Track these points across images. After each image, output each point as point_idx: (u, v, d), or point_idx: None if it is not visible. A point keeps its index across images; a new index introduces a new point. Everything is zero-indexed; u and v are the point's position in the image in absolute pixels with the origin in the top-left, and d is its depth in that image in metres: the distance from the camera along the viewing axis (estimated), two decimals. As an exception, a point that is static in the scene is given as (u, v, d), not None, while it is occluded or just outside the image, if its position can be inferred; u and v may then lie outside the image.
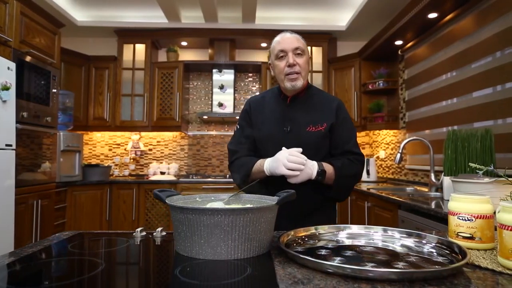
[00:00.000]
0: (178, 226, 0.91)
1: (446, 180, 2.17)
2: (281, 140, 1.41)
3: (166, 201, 0.97)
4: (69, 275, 0.81)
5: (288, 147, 1.38)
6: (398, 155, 2.82)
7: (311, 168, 1.29)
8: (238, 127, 1.55)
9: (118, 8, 4.17)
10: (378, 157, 4.46)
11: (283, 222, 1.29)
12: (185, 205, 0.99)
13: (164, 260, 0.93)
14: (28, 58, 2.86)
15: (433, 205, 2.07)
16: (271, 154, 1.40)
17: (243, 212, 0.87)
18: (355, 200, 3.38)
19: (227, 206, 1.02)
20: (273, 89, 1.57)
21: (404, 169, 3.79)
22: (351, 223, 3.45)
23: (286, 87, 1.43)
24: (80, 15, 4.29)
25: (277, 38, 1.45)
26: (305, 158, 1.27)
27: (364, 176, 4.09)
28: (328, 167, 1.35)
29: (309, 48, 4.39)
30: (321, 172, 1.31)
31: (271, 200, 1.04)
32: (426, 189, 2.96)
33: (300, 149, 1.29)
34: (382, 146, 4.39)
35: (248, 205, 1.08)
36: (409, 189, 3.16)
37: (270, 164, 1.31)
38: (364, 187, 3.33)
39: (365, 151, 4.76)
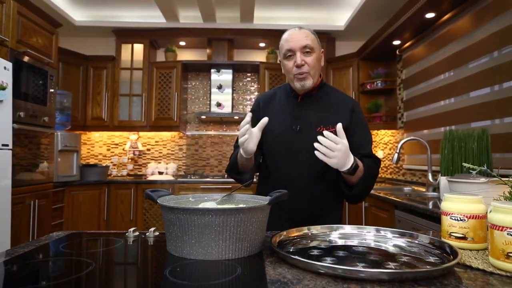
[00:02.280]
0: (169, 226, 0.91)
1: (443, 180, 2.17)
2: (289, 139, 1.37)
3: (158, 201, 0.96)
4: (57, 276, 0.81)
5: (296, 148, 1.35)
6: (396, 155, 2.82)
7: (349, 158, 1.19)
8: None
9: (116, 8, 4.17)
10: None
11: (285, 225, 1.26)
12: (176, 205, 0.98)
13: (155, 261, 0.92)
14: (25, 58, 2.86)
15: (430, 205, 2.07)
16: (279, 153, 1.38)
17: (234, 212, 0.86)
18: (352, 200, 3.37)
19: (218, 206, 1.01)
20: (285, 85, 1.49)
21: (402, 169, 3.79)
22: (348, 223, 3.44)
23: (295, 86, 1.37)
24: (78, 15, 4.29)
25: (285, 36, 1.36)
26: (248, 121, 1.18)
27: (362, 176, 4.08)
28: (360, 163, 1.26)
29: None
30: (355, 167, 1.21)
31: (263, 200, 1.03)
32: (423, 189, 2.96)
33: (249, 115, 1.21)
34: (380, 146, 4.39)
35: (241, 205, 1.08)
36: (406, 189, 3.16)
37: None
38: (362, 187, 3.32)
39: (363, 151, 4.75)
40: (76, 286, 0.72)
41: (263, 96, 1.50)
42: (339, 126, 1.18)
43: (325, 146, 1.15)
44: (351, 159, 1.20)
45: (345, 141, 1.18)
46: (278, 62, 4.58)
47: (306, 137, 1.33)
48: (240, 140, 1.20)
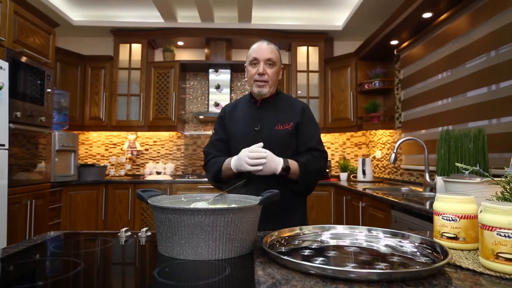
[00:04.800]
0: (160, 226, 0.91)
1: (439, 180, 2.16)
2: (252, 139, 1.51)
3: (148, 201, 0.96)
4: (45, 276, 0.80)
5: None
6: (393, 155, 2.81)
7: (277, 163, 1.39)
8: (214, 132, 1.68)
9: (114, 8, 4.17)
10: (374, 157, 4.45)
11: None
12: (167, 205, 0.98)
13: (146, 261, 0.92)
14: (22, 58, 2.86)
15: (427, 205, 2.06)
16: None
17: (224, 212, 0.86)
18: (350, 200, 3.37)
19: (209, 206, 1.01)
20: (246, 96, 1.70)
21: (400, 169, 3.79)
22: (346, 223, 3.44)
23: (253, 91, 1.56)
24: (76, 15, 4.28)
25: (254, 46, 1.56)
26: (266, 151, 1.37)
27: (360, 176, 4.09)
28: (293, 164, 1.45)
29: (305, 48, 4.44)
30: (286, 168, 1.41)
31: (255, 200, 1.03)
32: (421, 189, 2.96)
33: (261, 144, 1.40)
34: (378, 146, 4.38)
35: (233, 205, 1.07)
36: (404, 189, 3.16)
37: (236, 162, 1.42)
38: (360, 187, 3.32)
39: (361, 151, 4.76)
40: (63, 286, 0.72)
41: (228, 106, 1.72)
42: (260, 144, 1.40)
43: (255, 164, 1.34)
44: (279, 163, 1.40)
45: (266, 152, 1.37)
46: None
47: (265, 136, 1.53)
48: (251, 168, 1.35)
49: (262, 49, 1.53)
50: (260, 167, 1.34)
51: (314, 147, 1.55)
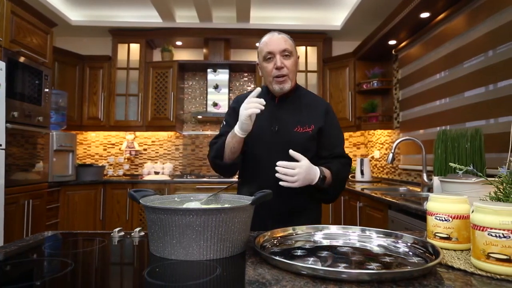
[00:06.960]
0: (151, 226, 0.91)
1: (436, 180, 2.16)
2: (269, 139, 1.40)
3: (140, 201, 0.96)
4: (36, 276, 0.80)
5: (275, 147, 1.39)
6: (391, 155, 2.81)
7: (315, 174, 1.28)
8: (224, 123, 1.51)
9: (112, 8, 4.16)
10: (373, 157, 4.45)
11: (269, 222, 1.33)
12: (160, 205, 0.98)
13: (137, 261, 0.92)
14: (20, 58, 2.85)
15: (424, 206, 2.06)
16: (258, 153, 1.41)
17: (215, 212, 0.86)
18: (347, 200, 3.37)
19: (201, 206, 1.01)
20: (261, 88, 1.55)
21: (398, 169, 3.78)
22: (344, 223, 3.44)
23: (274, 89, 1.42)
24: (75, 15, 4.28)
25: (265, 39, 1.42)
26: (304, 160, 1.25)
27: (358, 176, 4.09)
28: (327, 172, 1.35)
29: (303, 48, 4.44)
30: (323, 178, 1.30)
31: (247, 200, 1.03)
32: (418, 189, 2.96)
33: (259, 89, 1.27)
34: (377, 146, 4.38)
35: (226, 205, 1.07)
36: (402, 189, 3.15)
37: (238, 124, 1.27)
38: (358, 187, 3.32)
39: (360, 151, 4.76)
40: (51, 287, 0.71)
41: (241, 96, 1.52)
42: (291, 152, 1.24)
43: (284, 174, 1.22)
44: (317, 173, 1.28)
45: (303, 161, 1.25)
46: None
47: (284, 137, 1.40)
48: (246, 112, 1.21)
49: (274, 40, 1.38)
50: (257, 110, 1.20)
51: (340, 154, 1.44)
